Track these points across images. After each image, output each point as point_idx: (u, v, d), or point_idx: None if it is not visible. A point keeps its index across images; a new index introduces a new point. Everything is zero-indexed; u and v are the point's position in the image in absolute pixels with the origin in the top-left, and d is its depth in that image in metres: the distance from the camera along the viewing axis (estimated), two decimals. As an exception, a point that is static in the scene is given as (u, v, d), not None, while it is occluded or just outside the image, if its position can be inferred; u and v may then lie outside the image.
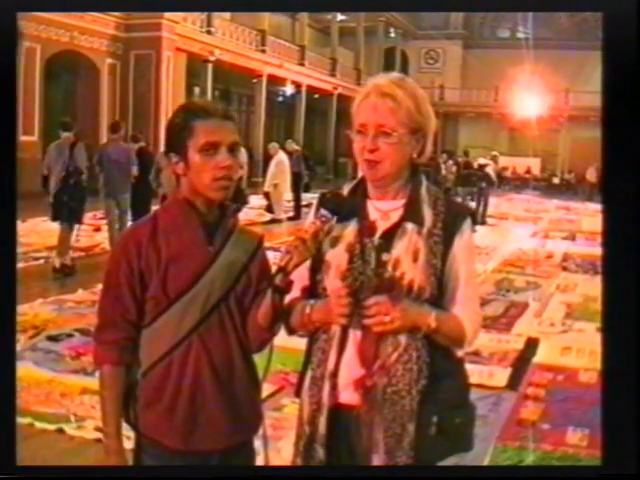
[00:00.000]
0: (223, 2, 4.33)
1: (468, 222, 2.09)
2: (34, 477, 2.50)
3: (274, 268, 2.07)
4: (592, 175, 32.42)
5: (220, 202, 2.20)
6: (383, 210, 2.08)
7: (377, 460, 2.01)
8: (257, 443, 2.36)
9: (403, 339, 1.99)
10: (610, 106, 2.31)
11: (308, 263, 2.08)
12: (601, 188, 2.52)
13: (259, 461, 2.39)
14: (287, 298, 2.07)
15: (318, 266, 2.10)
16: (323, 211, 2.05)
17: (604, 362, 2.33)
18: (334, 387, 2.06)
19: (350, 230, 2.07)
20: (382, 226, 2.07)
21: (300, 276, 2.08)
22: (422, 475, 2.10)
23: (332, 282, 2.05)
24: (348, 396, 2.05)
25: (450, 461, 2.11)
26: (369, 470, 2.05)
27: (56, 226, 9.60)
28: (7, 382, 2.31)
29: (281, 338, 2.29)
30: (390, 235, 2.04)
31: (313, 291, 2.12)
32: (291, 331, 2.17)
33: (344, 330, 2.04)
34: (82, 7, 3.03)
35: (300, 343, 2.24)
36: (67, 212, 9.64)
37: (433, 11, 40.22)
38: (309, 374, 2.13)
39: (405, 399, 1.99)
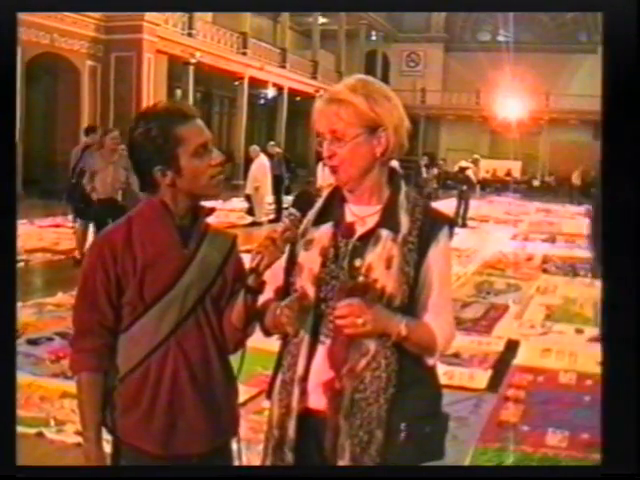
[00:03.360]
0: (209, 2, 4.31)
1: (445, 231, 2.07)
2: (34, 477, 2.49)
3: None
4: (577, 178, 32.54)
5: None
6: (359, 215, 2.07)
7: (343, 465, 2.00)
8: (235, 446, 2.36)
9: (372, 346, 1.97)
10: (610, 106, 2.31)
11: (283, 264, 2.08)
12: (601, 190, 2.49)
13: (237, 464, 2.39)
14: (261, 299, 2.06)
15: (292, 268, 2.10)
16: (292, 209, 2.05)
17: (604, 362, 2.34)
18: (303, 392, 2.04)
19: (325, 233, 2.05)
20: (357, 231, 2.05)
21: (275, 277, 2.08)
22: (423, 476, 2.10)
23: (304, 285, 2.04)
24: (317, 400, 2.03)
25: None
26: (347, 470, 2.04)
27: (33, 229, 9.65)
28: (7, 383, 2.30)
29: (262, 340, 2.29)
30: (365, 240, 2.02)
31: (287, 293, 2.10)
32: (266, 332, 2.15)
33: (313, 335, 2.03)
34: (83, 7, 3.02)
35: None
36: (78, 212, 10.58)
37: (434, 11, 40.35)
38: (279, 377, 2.12)
39: (373, 406, 1.98)
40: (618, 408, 2.23)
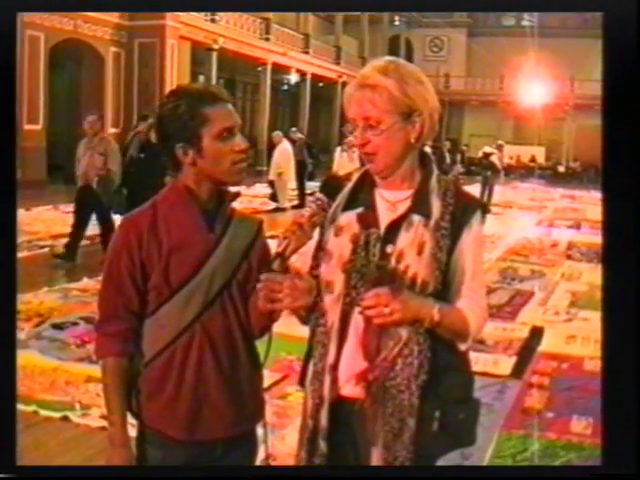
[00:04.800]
0: (229, 1, 4.32)
1: (478, 215, 2.04)
2: (34, 477, 2.50)
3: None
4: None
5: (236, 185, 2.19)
6: (390, 200, 2.03)
7: (376, 454, 1.99)
8: (260, 431, 2.36)
9: (404, 333, 1.95)
10: (610, 105, 2.29)
11: (312, 250, 2.06)
12: (602, 180, 2.47)
13: (262, 449, 2.39)
14: None
15: (319, 253, 2.08)
16: (319, 195, 2.03)
17: (603, 360, 2.32)
18: (334, 380, 2.03)
19: (355, 220, 2.02)
20: (389, 217, 2.01)
21: (303, 263, 2.07)
22: (417, 475, 2.09)
23: (333, 272, 2.02)
24: (350, 389, 2.02)
25: (453, 454, 2.10)
26: (367, 470, 2.05)
27: (58, 214, 9.66)
28: (7, 381, 2.31)
29: (286, 326, 2.29)
30: (396, 227, 1.98)
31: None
32: (300, 318, 2.14)
33: (343, 322, 2.02)
34: (82, 7, 3.00)
35: (304, 331, 2.23)
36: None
37: (436, 11, 40.06)
38: (311, 368, 2.11)
39: (404, 394, 1.96)
40: (618, 408, 2.22)
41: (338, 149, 16.91)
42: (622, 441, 2.19)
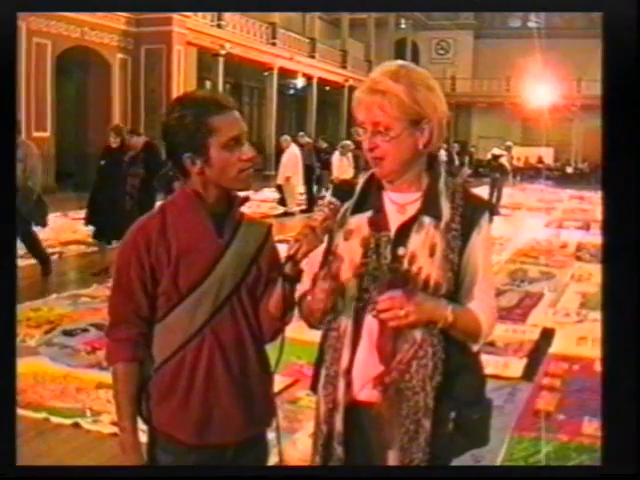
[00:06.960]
0: (235, 1, 4.33)
1: (486, 216, 2.04)
2: (34, 477, 2.50)
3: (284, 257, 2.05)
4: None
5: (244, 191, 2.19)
6: (399, 203, 2.03)
7: (392, 456, 1.98)
8: (271, 436, 2.35)
9: (418, 335, 1.94)
10: (610, 106, 2.29)
11: (320, 254, 2.06)
12: (602, 183, 2.48)
13: (273, 454, 2.39)
14: (299, 288, 2.05)
15: (329, 257, 2.07)
16: (331, 198, 2.03)
17: (604, 360, 2.32)
18: (349, 384, 2.03)
19: (364, 223, 2.02)
20: (398, 219, 2.01)
21: (313, 266, 2.06)
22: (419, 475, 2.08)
23: (345, 276, 2.01)
24: (365, 393, 2.01)
25: (465, 457, 2.09)
26: (375, 470, 2.05)
27: (67, 221, 9.65)
28: (7, 382, 2.30)
29: (296, 330, 2.28)
30: (406, 229, 1.98)
31: None
32: (308, 323, 2.13)
33: (356, 326, 2.01)
34: (83, 7, 3.02)
35: (314, 335, 2.22)
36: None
37: (439, 11, 40.07)
38: (323, 372, 2.10)
39: (419, 395, 1.96)
40: (618, 408, 2.21)
41: (336, 153, 16.99)
42: (622, 441, 2.19)
